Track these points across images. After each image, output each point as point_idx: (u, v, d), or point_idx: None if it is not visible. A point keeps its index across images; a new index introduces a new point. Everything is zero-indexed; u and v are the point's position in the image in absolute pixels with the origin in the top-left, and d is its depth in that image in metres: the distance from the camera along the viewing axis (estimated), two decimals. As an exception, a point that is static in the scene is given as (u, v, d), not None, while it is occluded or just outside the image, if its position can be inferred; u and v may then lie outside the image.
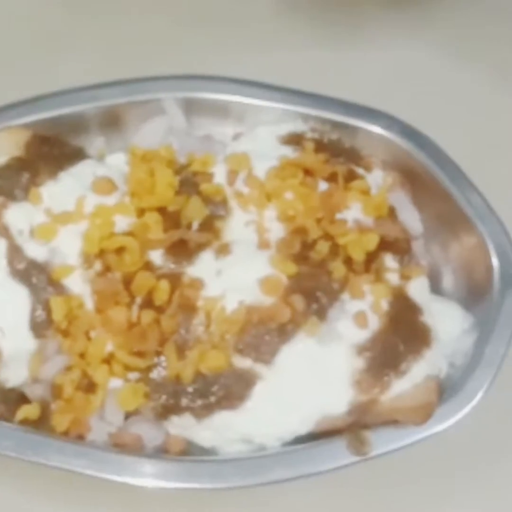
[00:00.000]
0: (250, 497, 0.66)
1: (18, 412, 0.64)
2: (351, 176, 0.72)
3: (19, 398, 0.64)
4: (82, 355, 0.64)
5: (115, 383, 0.63)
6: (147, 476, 0.62)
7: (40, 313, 0.65)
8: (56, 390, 0.64)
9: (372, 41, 0.87)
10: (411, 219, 0.72)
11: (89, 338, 0.65)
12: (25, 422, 0.64)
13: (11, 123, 0.73)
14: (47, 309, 0.65)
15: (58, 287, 0.66)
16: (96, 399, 0.63)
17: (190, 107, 0.76)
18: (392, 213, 0.71)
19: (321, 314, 0.65)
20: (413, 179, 0.74)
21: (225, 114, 0.77)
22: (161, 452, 0.64)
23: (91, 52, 0.86)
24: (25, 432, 0.63)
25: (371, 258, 0.68)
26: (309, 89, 0.76)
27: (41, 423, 0.64)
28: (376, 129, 0.75)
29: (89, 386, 0.63)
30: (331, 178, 0.70)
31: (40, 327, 0.65)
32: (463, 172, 0.73)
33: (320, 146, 0.75)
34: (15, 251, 0.67)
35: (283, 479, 0.62)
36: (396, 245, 0.69)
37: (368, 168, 0.74)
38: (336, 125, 0.76)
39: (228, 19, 0.87)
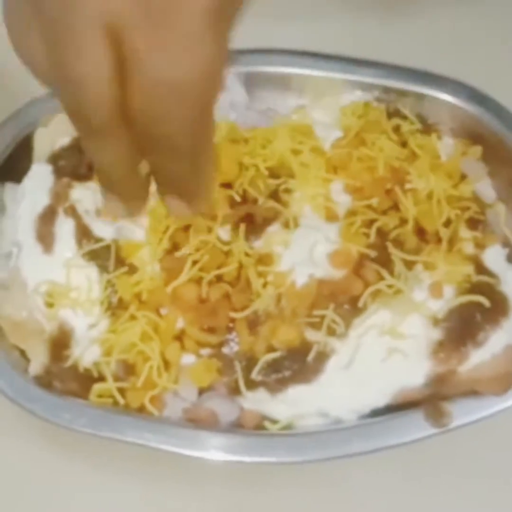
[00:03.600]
0: (326, 470, 0.67)
1: (92, 389, 0.65)
2: (421, 144, 0.71)
3: (93, 375, 0.66)
4: (153, 333, 0.65)
5: (188, 359, 0.65)
6: (223, 450, 0.63)
7: (110, 291, 0.67)
8: (129, 368, 0.65)
9: (435, 6, 0.87)
10: (484, 186, 0.72)
11: (160, 316, 0.66)
12: (99, 399, 0.65)
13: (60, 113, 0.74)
14: (117, 288, 0.67)
15: (126, 266, 0.67)
16: (169, 376, 0.64)
17: (251, 81, 0.77)
18: (464, 180, 0.70)
19: (394, 286, 0.65)
20: (484, 145, 0.74)
21: (286, 87, 0.78)
22: (236, 427, 0.66)
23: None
24: (100, 409, 0.64)
25: (444, 227, 0.68)
26: (371, 57, 0.76)
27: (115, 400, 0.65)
28: (443, 96, 0.75)
29: (162, 363, 0.65)
30: (401, 145, 0.70)
31: (111, 305, 0.66)
32: (536, 136, 0.72)
33: (386, 116, 0.75)
34: (83, 230, 0.69)
35: (361, 452, 0.63)
36: (470, 213, 0.69)
37: (437, 136, 0.74)
38: (401, 93, 0.76)
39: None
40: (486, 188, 0.72)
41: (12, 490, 0.70)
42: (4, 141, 0.73)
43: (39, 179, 0.71)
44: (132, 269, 0.68)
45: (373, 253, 0.66)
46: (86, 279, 0.68)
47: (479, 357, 0.64)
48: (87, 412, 0.64)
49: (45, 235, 0.69)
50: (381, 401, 0.65)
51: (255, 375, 0.64)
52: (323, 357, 0.64)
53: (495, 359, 0.64)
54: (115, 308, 0.67)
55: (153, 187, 0.50)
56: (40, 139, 0.74)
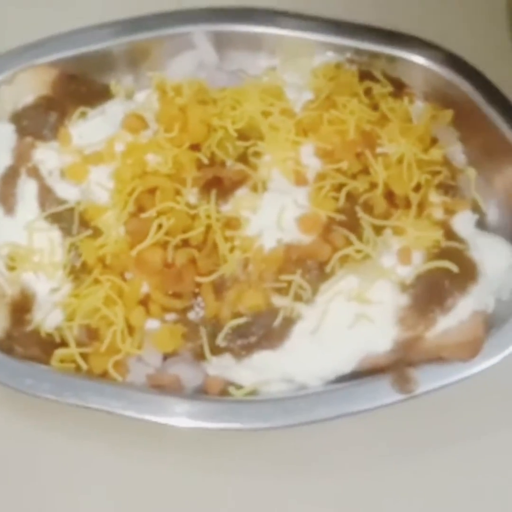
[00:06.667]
0: (292, 436, 0.67)
1: (54, 354, 0.64)
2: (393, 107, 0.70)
3: (55, 340, 0.65)
4: (117, 297, 0.64)
5: (153, 324, 0.64)
6: (187, 416, 0.63)
7: (73, 255, 0.66)
8: (92, 333, 0.64)
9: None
10: (455, 151, 0.71)
11: (124, 280, 0.65)
12: (62, 364, 0.64)
13: (37, 61, 0.73)
14: (80, 251, 0.65)
15: (90, 229, 0.66)
16: (133, 341, 0.63)
17: (221, 41, 0.75)
18: (435, 145, 0.69)
19: (363, 251, 0.64)
20: (456, 110, 0.73)
21: (258, 47, 0.76)
22: (201, 393, 0.65)
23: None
24: (63, 375, 0.64)
25: (414, 192, 0.67)
26: (344, 17, 0.74)
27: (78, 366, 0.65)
28: (416, 58, 0.74)
29: (126, 328, 0.64)
30: (372, 108, 0.69)
31: (74, 269, 0.65)
32: (510, 102, 0.71)
33: (358, 78, 0.74)
34: (46, 192, 0.67)
35: (326, 418, 0.63)
36: (440, 178, 0.68)
37: (409, 100, 0.73)
38: (374, 55, 0.74)
39: None
40: (457, 153, 0.71)
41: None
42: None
43: (1, 139, 0.70)
44: (96, 232, 0.66)
45: (341, 218, 0.65)
46: (49, 242, 0.66)
47: (446, 323, 0.64)
48: (50, 378, 0.64)
49: (6, 196, 0.68)
50: (347, 367, 0.64)
51: (220, 340, 0.63)
52: (289, 322, 0.64)
53: (462, 325, 0.64)
54: (79, 272, 0.66)
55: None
56: (3, 98, 0.72)
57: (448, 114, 0.72)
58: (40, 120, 0.70)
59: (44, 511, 0.67)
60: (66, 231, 0.66)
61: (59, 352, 0.64)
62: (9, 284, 0.66)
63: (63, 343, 0.65)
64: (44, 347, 0.65)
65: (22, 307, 0.65)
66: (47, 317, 0.65)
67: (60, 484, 0.68)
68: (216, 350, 0.63)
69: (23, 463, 0.68)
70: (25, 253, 0.65)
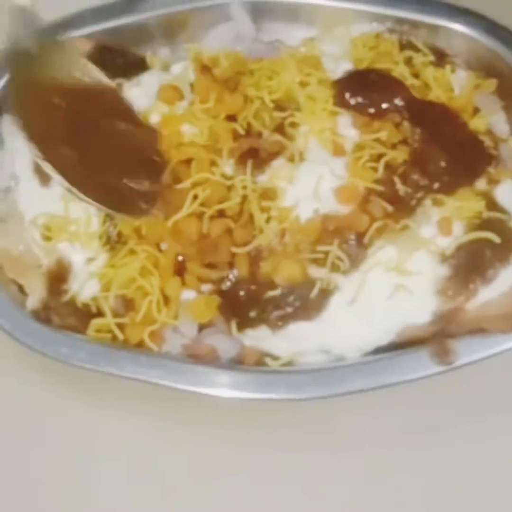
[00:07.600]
0: (326, 409, 0.67)
1: (90, 324, 0.65)
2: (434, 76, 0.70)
3: (91, 310, 0.66)
4: (153, 267, 0.64)
5: (189, 294, 0.64)
6: (223, 386, 0.63)
7: (109, 225, 0.66)
8: (128, 303, 0.65)
9: None
10: (498, 121, 0.70)
11: (160, 250, 0.65)
12: (97, 334, 0.65)
13: (73, 34, 0.73)
14: (116, 222, 0.66)
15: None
16: (169, 311, 0.64)
17: (258, 12, 0.75)
18: (477, 114, 0.69)
19: (402, 221, 0.63)
20: (499, 79, 0.72)
21: (295, 18, 0.76)
22: (236, 363, 0.65)
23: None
24: (98, 344, 0.64)
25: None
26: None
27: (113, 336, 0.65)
28: (458, 27, 0.73)
29: (161, 298, 0.64)
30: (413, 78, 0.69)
31: (110, 239, 0.66)
32: (554, 70, 0.70)
33: (399, 48, 0.73)
34: (82, 164, 0.68)
35: (363, 389, 0.62)
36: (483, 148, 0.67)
37: (451, 69, 0.72)
38: (415, 24, 0.74)
39: None
40: (500, 123, 0.70)
41: (9, 425, 0.69)
42: (1, 71, 0.72)
43: (37, 111, 0.70)
44: (133, 204, 0.66)
45: (380, 188, 0.64)
46: (85, 213, 0.67)
47: (487, 295, 0.63)
48: (86, 347, 0.64)
49: (42, 167, 0.68)
50: (386, 339, 0.64)
51: (256, 311, 0.63)
52: (326, 293, 0.63)
53: (503, 297, 0.63)
54: (114, 242, 0.66)
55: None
56: (39, 71, 0.72)
57: (492, 83, 0.71)
58: (76, 91, 0.70)
59: (76, 479, 0.68)
60: (103, 202, 0.66)
61: (95, 322, 0.65)
62: (45, 254, 0.66)
63: (99, 313, 0.65)
64: (80, 317, 0.65)
65: (58, 277, 0.66)
66: (83, 287, 0.65)
67: (92, 452, 0.68)
68: (252, 321, 0.63)
69: (58, 431, 0.69)
70: (61, 223, 0.66)
